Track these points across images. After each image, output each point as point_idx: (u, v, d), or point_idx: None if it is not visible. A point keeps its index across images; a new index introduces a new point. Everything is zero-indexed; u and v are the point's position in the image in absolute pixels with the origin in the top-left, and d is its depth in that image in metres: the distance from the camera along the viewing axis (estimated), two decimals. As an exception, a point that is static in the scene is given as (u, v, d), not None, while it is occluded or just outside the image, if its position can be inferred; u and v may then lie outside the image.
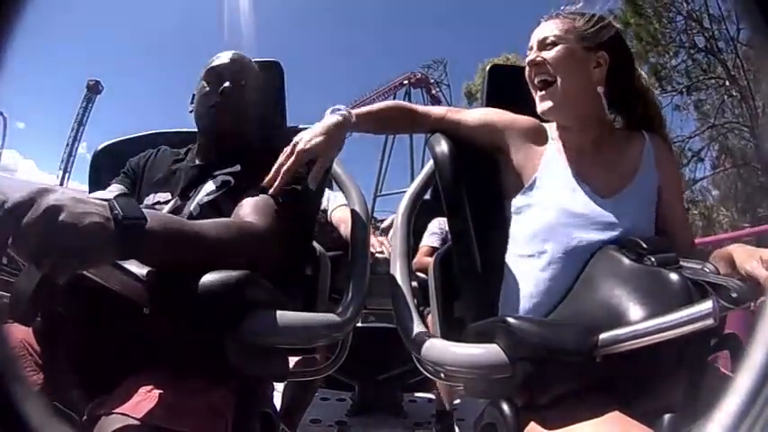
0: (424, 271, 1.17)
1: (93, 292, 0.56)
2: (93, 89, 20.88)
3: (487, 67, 1.04)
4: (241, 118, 0.93)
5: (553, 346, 0.57)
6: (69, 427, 0.57)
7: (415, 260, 1.70)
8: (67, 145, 20.33)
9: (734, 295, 0.54)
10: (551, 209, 0.78)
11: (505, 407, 0.64)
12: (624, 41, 0.86)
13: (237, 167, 0.88)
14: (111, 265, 0.54)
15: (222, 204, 0.83)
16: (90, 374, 0.63)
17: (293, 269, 0.88)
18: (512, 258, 0.80)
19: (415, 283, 0.90)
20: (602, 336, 0.56)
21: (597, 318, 0.63)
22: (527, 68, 0.83)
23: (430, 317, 1.00)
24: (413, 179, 1.02)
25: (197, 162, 0.93)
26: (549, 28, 0.82)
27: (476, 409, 0.78)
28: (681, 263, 0.63)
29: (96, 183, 1.02)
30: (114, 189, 0.92)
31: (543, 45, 0.81)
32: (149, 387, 0.56)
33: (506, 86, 0.96)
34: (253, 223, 0.74)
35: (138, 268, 0.56)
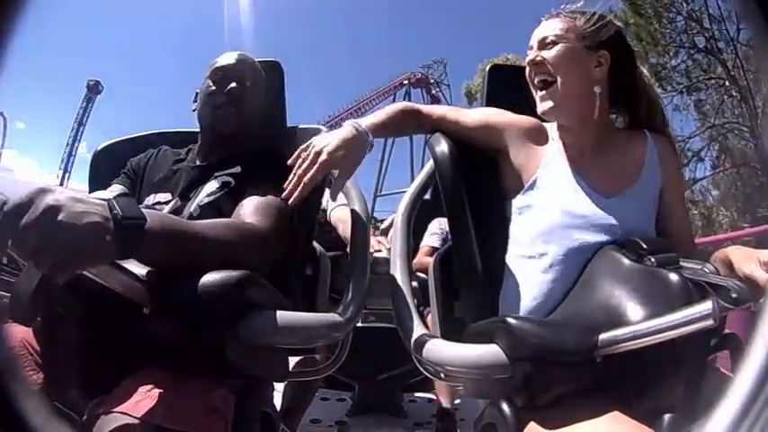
0: (425, 271, 1.17)
1: (92, 291, 0.56)
2: (93, 89, 20.90)
3: (487, 67, 1.04)
4: (245, 118, 0.93)
5: (553, 346, 0.57)
6: (69, 426, 0.57)
7: (415, 260, 1.70)
8: (67, 145, 20.39)
9: (734, 296, 0.54)
10: (552, 210, 0.77)
11: (505, 407, 0.64)
12: (625, 40, 0.85)
13: (238, 168, 0.87)
14: (111, 264, 0.54)
15: (222, 205, 0.83)
16: (90, 374, 0.63)
17: (293, 269, 0.88)
18: (512, 259, 0.80)
19: (415, 283, 0.90)
20: (602, 336, 0.56)
21: (597, 318, 0.62)
22: (527, 68, 0.83)
23: (430, 317, 1.00)
24: (413, 179, 1.02)
25: (198, 162, 0.93)
26: (549, 27, 0.81)
27: (476, 409, 0.78)
28: (681, 263, 0.63)
29: (96, 183, 1.02)
30: (114, 189, 0.92)
31: (543, 44, 0.81)
32: (149, 386, 0.56)
33: (506, 86, 0.96)
34: (253, 224, 0.74)
35: (137, 268, 0.56)
